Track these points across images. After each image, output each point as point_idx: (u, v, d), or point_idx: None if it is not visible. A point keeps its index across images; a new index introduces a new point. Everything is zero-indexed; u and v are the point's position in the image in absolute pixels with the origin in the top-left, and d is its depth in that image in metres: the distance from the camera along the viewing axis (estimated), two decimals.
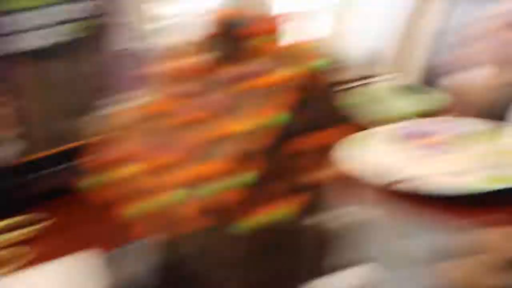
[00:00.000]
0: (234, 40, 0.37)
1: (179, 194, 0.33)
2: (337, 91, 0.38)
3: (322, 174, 0.40)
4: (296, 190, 0.37)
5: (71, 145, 0.61)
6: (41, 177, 0.60)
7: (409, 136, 0.72)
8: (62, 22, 0.57)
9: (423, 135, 0.73)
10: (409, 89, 0.97)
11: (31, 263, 0.49)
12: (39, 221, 0.55)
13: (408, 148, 0.69)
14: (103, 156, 0.39)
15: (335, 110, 0.38)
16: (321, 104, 0.37)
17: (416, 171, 0.61)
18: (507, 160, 0.63)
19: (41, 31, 0.56)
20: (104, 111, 0.62)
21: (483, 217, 0.50)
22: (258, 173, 0.32)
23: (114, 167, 0.37)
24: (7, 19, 0.53)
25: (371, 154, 0.67)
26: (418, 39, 1.27)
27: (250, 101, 0.35)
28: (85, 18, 0.59)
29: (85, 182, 0.39)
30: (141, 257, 0.45)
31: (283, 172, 0.35)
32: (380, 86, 1.01)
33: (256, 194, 0.34)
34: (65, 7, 0.57)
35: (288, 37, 0.38)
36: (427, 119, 0.78)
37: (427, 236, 0.46)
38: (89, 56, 0.62)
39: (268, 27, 0.37)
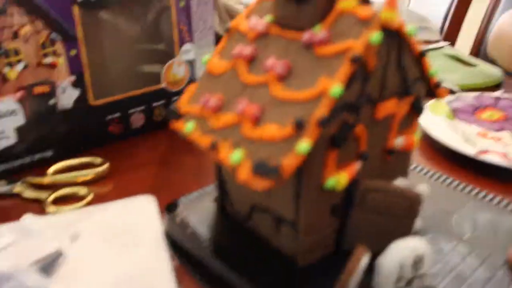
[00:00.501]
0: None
1: (237, 154, 0.34)
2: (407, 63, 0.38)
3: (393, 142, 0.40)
4: (362, 157, 0.38)
5: (135, 92, 0.64)
6: (104, 122, 0.63)
7: (462, 110, 0.71)
8: None
9: (475, 109, 0.71)
10: (461, 61, 0.94)
11: (91, 203, 0.53)
12: (100, 164, 0.58)
13: (461, 123, 0.68)
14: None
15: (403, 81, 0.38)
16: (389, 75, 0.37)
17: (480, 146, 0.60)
18: None
19: None
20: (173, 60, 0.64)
21: None
22: (314, 142, 0.33)
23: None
24: None
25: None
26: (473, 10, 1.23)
27: (313, 69, 0.35)
28: None
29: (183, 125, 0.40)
30: (202, 209, 0.47)
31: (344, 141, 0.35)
32: (432, 54, 0.98)
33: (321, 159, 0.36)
34: None
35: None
36: (479, 93, 0.76)
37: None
38: (151, 9, 0.63)
39: None
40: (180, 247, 0.44)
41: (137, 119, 0.65)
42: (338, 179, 0.36)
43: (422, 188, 0.41)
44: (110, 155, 0.59)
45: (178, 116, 0.41)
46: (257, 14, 0.41)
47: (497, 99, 0.73)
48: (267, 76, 0.37)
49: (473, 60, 0.94)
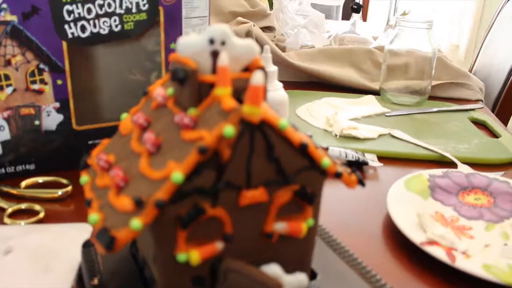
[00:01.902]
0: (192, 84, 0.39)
1: (95, 216, 0.37)
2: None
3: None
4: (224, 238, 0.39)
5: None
6: (86, 146, 0.69)
7: (443, 189, 0.66)
8: (112, 14, 0.63)
9: (462, 190, 0.67)
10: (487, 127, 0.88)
11: (42, 220, 0.59)
12: (66, 184, 0.64)
13: (435, 203, 0.64)
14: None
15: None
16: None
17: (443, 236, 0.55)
18: None
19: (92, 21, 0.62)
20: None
21: None
22: (150, 221, 0.35)
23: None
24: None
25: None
26: None
27: (175, 151, 0.37)
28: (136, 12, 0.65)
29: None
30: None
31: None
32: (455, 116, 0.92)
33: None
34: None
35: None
36: (473, 172, 0.70)
37: None
38: (140, 47, 0.68)
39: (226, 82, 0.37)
40: (82, 282, 0.48)
41: None
42: (189, 256, 0.38)
43: (293, 279, 0.41)
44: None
45: (85, 166, 0.45)
46: (167, 84, 0.44)
47: (491, 181, 0.67)
48: (142, 148, 0.39)
49: (501, 129, 0.87)
